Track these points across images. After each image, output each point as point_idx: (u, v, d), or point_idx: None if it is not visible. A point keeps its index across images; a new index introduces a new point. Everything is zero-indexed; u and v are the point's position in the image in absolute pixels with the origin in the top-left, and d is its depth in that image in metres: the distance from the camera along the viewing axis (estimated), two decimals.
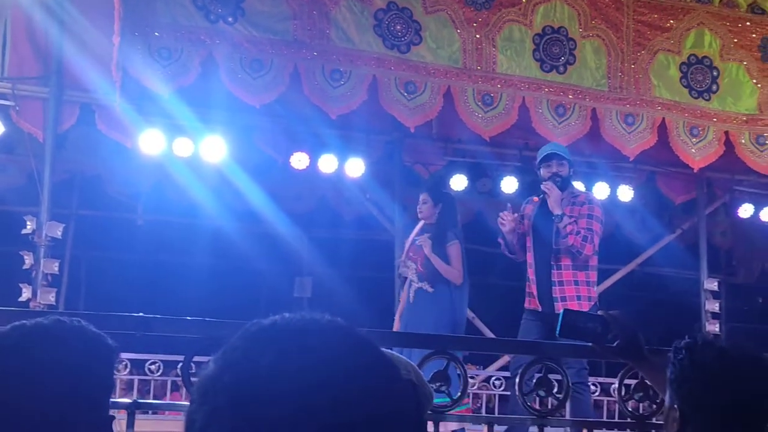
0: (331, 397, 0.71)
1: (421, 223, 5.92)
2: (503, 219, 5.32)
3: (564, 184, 5.28)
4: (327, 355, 0.74)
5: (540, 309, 5.24)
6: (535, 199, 5.43)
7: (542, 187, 5.26)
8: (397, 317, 6.04)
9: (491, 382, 7.24)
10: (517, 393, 2.40)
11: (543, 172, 5.33)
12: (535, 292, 5.27)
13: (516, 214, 5.40)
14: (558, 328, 2.13)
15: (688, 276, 8.42)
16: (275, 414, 0.70)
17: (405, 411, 0.75)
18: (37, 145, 6.10)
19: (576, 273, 5.16)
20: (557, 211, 5.15)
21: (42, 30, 5.88)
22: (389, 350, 1.67)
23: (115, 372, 1.57)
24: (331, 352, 0.74)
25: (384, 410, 0.73)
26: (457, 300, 5.71)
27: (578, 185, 6.12)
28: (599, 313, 2.08)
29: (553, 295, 5.16)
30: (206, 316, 2.32)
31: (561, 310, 2.23)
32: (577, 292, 5.14)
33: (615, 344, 2.14)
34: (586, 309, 5.04)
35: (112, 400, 1.60)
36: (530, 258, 5.35)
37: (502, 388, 7.05)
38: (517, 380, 2.45)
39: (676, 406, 1.69)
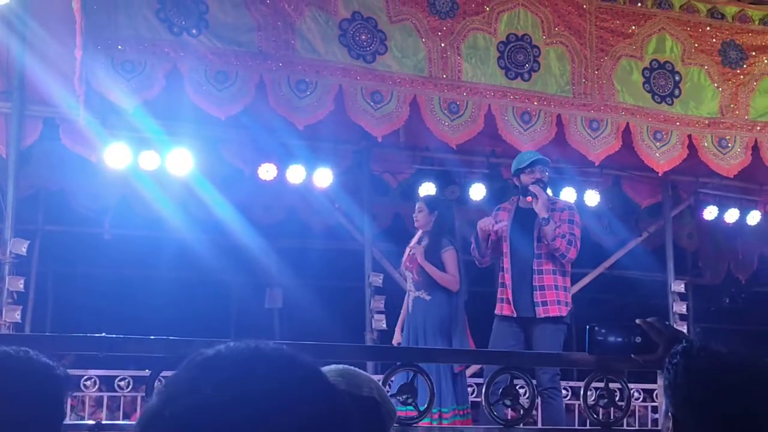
0: (272, 427, 0.70)
1: (419, 232, 5.91)
2: (484, 224, 5.37)
3: (544, 190, 5.39)
4: (269, 386, 0.73)
5: (515, 315, 5.27)
6: (529, 199, 5.43)
7: (531, 188, 5.31)
8: (398, 328, 5.98)
9: None
10: (483, 403, 2.41)
11: (525, 177, 5.41)
12: (510, 297, 5.30)
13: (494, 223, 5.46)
14: (587, 346, 2.03)
15: (655, 278, 8.52)
16: None
17: None
18: (0, 161, 6.02)
19: (557, 278, 5.24)
20: (545, 215, 5.20)
21: (3, 45, 5.81)
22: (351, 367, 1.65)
23: (84, 390, 1.54)
24: (274, 383, 0.74)
25: None
26: (456, 306, 5.69)
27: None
28: (637, 321, 1.96)
29: (534, 300, 5.21)
30: (177, 329, 2.30)
31: (587, 327, 2.08)
32: (557, 296, 5.20)
33: (657, 352, 1.95)
34: (564, 314, 5.19)
35: (76, 422, 1.57)
36: (506, 263, 5.39)
37: (473, 395, 7.06)
38: (484, 389, 2.46)
39: (670, 413, 1.62)
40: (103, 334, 2.06)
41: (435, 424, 5.14)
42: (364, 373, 1.61)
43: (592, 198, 7.65)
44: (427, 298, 5.66)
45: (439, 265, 5.67)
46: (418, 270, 5.70)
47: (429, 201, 6.01)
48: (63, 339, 1.96)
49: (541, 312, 5.17)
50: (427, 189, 7.40)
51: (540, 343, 5.11)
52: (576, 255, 5.25)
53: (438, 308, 5.63)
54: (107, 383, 6.37)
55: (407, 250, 5.91)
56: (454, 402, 5.51)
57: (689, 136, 6.50)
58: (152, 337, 2.13)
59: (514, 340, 5.24)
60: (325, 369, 1.48)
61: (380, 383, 1.75)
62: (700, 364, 1.62)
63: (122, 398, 6.35)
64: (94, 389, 6.11)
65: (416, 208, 5.92)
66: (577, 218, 5.36)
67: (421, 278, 5.68)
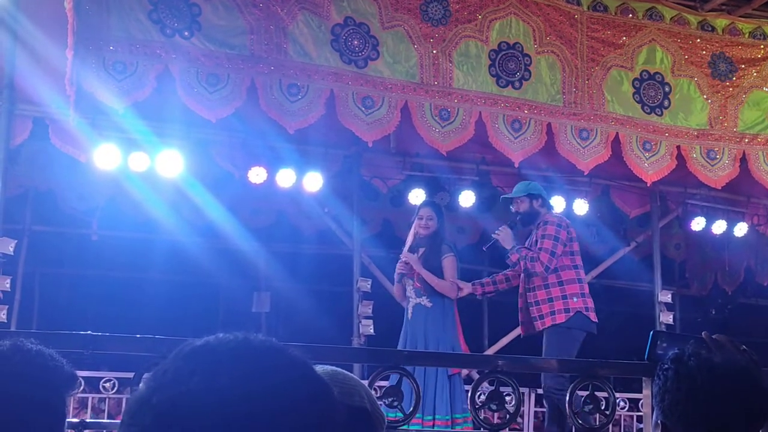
0: (259, 418, 0.71)
1: (412, 238, 5.84)
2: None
3: (526, 219, 5.66)
4: (257, 376, 0.74)
5: (522, 334, 5.66)
6: (483, 248, 6.04)
7: (493, 235, 5.70)
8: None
9: None
10: (468, 407, 2.41)
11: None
12: (520, 319, 5.67)
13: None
14: (647, 352, 1.97)
15: (642, 288, 8.55)
16: None
17: (336, 430, 0.76)
18: None
19: (549, 291, 5.46)
20: (508, 247, 5.58)
21: None
22: (345, 371, 1.63)
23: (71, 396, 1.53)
24: (262, 372, 0.74)
25: (314, 429, 0.73)
26: (453, 312, 5.71)
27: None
28: (703, 334, 1.86)
29: (532, 316, 5.49)
30: (164, 332, 2.29)
31: (650, 333, 2.04)
32: (551, 308, 5.43)
33: None
34: (561, 321, 5.38)
35: None
36: (520, 288, 5.71)
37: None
38: (469, 394, 2.46)
39: (659, 421, 1.62)
40: (89, 332, 2.05)
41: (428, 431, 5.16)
42: (354, 377, 1.60)
43: (581, 207, 7.68)
44: (429, 305, 5.64)
45: (438, 271, 5.66)
46: (419, 277, 5.68)
47: (437, 207, 6.00)
48: (48, 336, 1.96)
49: (538, 326, 5.46)
50: (417, 195, 7.42)
51: (546, 352, 5.38)
52: (543, 267, 5.40)
53: (439, 314, 5.63)
54: (93, 384, 6.34)
55: (404, 254, 5.84)
56: (449, 411, 5.47)
57: (678, 147, 6.54)
58: (138, 335, 2.12)
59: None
60: None
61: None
62: (690, 370, 1.62)
63: (108, 400, 6.32)
64: (79, 390, 6.07)
65: (425, 215, 5.77)
66: (550, 229, 5.50)
67: (422, 285, 5.66)
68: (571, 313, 5.40)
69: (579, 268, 5.61)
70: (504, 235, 5.58)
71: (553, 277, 5.44)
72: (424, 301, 5.65)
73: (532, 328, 5.50)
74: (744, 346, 1.83)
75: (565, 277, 5.48)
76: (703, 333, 1.87)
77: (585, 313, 5.45)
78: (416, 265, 5.63)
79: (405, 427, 2.53)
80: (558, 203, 7.42)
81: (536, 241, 5.52)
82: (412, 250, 5.78)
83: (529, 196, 5.66)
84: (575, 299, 5.45)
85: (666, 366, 1.65)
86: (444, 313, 5.65)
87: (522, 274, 5.65)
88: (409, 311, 5.72)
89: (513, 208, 5.72)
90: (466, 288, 5.75)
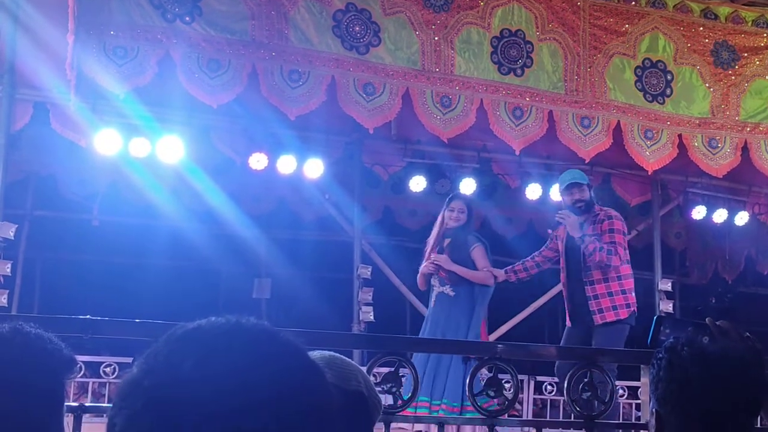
0: (250, 401, 0.71)
1: (436, 229, 5.84)
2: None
3: (587, 207, 5.66)
4: (249, 359, 0.74)
5: (569, 325, 5.66)
6: (549, 231, 5.94)
7: (556, 217, 5.66)
8: None
9: None
10: (467, 394, 2.42)
11: (565, 198, 5.73)
12: (567, 308, 5.69)
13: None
14: (649, 338, 1.95)
15: (643, 276, 8.54)
16: (192, 418, 0.70)
17: (328, 417, 0.76)
18: None
19: (609, 285, 5.50)
20: (577, 235, 5.53)
21: None
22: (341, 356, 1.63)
23: (70, 380, 1.54)
24: (254, 356, 0.74)
25: (306, 416, 0.74)
26: (480, 300, 5.72)
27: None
28: (707, 320, 1.86)
29: (591, 309, 5.49)
30: (164, 318, 2.29)
31: (654, 317, 2.03)
32: (612, 303, 5.47)
33: None
34: (624, 317, 5.44)
35: None
36: (563, 278, 5.74)
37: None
38: (468, 380, 2.47)
39: (654, 410, 1.63)
40: (88, 317, 2.06)
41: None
42: (351, 362, 1.60)
43: None
44: (452, 293, 5.67)
45: (466, 262, 5.67)
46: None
47: (469, 201, 6.01)
48: (47, 320, 1.96)
49: (598, 319, 5.47)
50: (418, 182, 7.42)
51: (599, 345, 5.34)
52: (620, 261, 5.47)
53: (461, 303, 5.66)
54: (93, 369, 6.36)
55: (430, 246, 5.82)
56: (459, 398, 5.46)
57: (679, 136, 6.52)
58: (137, 320, 2.13)
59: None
60: (311, 355, 1.46)
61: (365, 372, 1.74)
62: (683, 360, 1.62)
63: (108, 384, 6.34)
64: (79, 375, 6.10)
65: (456, 208, 5.79)
66: (617, 225, 5.58)
67: (447, 274, 5.68)
68: (632, 308, 5.50)
69: (630, 262, 5.70)
70: (572, 221, 5.56)
71: (612, 271, 5.49)
72: (447, 290, 5.69)
73: (589, 321, 5.49)
74: (748, 333, 1.82)
75: (623, 272, 5.55)
76: (707, 319, 1.87)
77: (635, 308, 5.57)
78: (448, 265, 5.64)
79: (411, 410, 2.54)
80: (559, 192, 7.40)
81: (600, 234, 5.52)
82: (440, 249, 5.74)
83: (588, 185, 5.73)
84: (632, 295, 5.56)
85: (660, 355, 1.65)
86: (467, 301, 5.68)
87: (563, 262, 5.69)
88: (433, 299, 5.77)
89: (574, 196, 5.65)
90: (501, 276, 5.79)
